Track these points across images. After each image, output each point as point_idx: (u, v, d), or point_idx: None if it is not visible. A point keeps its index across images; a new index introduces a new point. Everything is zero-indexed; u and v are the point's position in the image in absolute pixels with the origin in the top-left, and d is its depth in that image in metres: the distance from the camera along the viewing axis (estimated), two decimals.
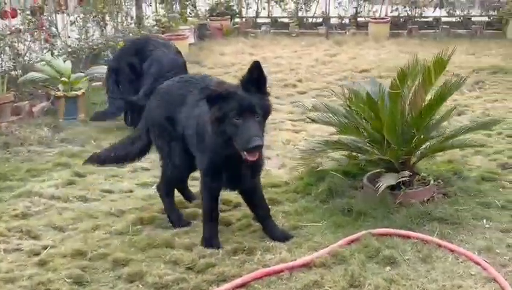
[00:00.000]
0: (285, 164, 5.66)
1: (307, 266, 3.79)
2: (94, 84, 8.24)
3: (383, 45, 11.61)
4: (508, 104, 7.51)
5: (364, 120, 4.56)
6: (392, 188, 4.45)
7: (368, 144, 4.50)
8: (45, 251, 4.09)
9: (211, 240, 4.10)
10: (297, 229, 4.30)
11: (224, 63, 10.49)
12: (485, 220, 4.32)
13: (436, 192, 4.69)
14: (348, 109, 4.63)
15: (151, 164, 5.56)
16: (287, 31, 13.30)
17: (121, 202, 4.95)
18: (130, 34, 10.11)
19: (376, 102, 4.32)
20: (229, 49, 11.71)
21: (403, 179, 4.30)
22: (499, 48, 10.83)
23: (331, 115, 4.78)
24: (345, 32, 12.89)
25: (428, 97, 4.54)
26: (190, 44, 11.62)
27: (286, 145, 6.19)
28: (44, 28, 8.51)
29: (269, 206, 4.57)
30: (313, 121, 4.95)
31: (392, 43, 11.72)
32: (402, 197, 4.42)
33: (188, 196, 4.91)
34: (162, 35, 10.72)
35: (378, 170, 4.84)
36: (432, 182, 4.69)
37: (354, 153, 4.65)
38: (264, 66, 3.84)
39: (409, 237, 4.09)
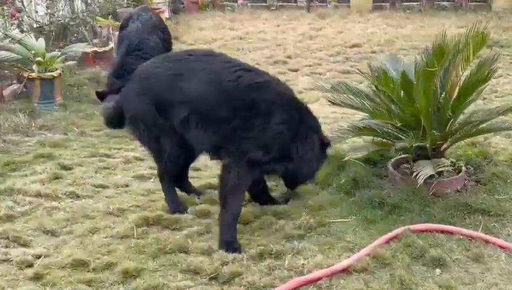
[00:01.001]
0: None
1: (347, 271, 3.35)
2: (67, 63, 7.52)
3: (368, 18, 11.17)
4: None
5: (393, 103, 4.09)
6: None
7: (401, 129, 4.03)
8: (39, 261, 3.52)
9: (233, 244, 3.60)
10: (325, 227, 3.84)
11: (205, 38, 9.87)
12: None
13: (468, 179, 4.29)
14: (375, 90, 4.15)
15: (145, 153, 4.98)
16: (265, 4, 12.71)
17: (118, 198, 4.38)
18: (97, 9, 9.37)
19: (411, 82, 3.85)
20: (207, 24, 11.07)
21: (442, 168, 3.87)
22: (486, 21, 10.48)
23: (352, 97, 4.29)
24: (326, 5, 12.38)
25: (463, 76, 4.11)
26: (166, 19, 10.89)
27: None
28: (9, 1, 7.69)
29: (289, 200, 4.18)
30: (334, 104, 4.45)
31: (376, 16, 11.28)
32: (436, 186, 4.00)
33: (188, 190, 4.38)
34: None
35: (402, 156, 4.41)
36: (463, 168, 4.28)
37: (385, 140, 4.18)
38: None
39: (451, 233, 3.69)
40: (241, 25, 11.03)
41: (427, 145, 3.90)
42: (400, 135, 4.08)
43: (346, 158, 3.93)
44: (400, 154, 4.45)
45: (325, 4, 12.45)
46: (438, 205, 3.94)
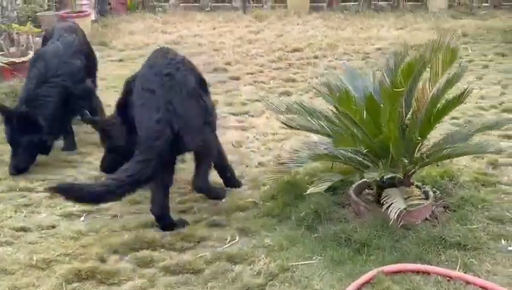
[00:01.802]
0: (245, 174, 4.66)
1: None
2: None
3: (306, 20, 10.79)
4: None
5: (355, 126, 3.66)
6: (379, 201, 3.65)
7: (365, 155, 3.61)
8: None
9: None
10: (288, 272, 3.36)
11: (136, 43, 9.18)
12: (503, 241, 3.63)
13: (435, 205, 3.93)
14: (335, 112, 3.70)
15: None
16: (198, 4, 12.10)
17: (43, 245, 3.73)
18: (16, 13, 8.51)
19: (378, 105, 3.43)
20: (137, 27, 10.36)
21: (415, 199, 3.48)
22: (425, 22, 10.37)
23: (310, 119, 3.84)
24: (263, 6, 11.92)
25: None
26: (92, 22, 10.12)
27: (238, 149, 5.18)
28: None
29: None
30: (290, 127, 3.97)
31: (315, 18, 10.92)
32: (404, 216, 3.60)
33: None
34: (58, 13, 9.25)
35: (363, 180, 4.00)
36: (430, 193, 3.92)
37: (348, 166, 3.75)
38: None
39: (428, 273, 3.30)
40: (175, 27, 10.40)
41: (399, 175, 3.49)
42: (365, 161, 3.66)
43: (308, 191, 3.47)
44: (361, 179, 4.04)
45: (261, 5, 11.98)
46: (409, 240, 3.55)
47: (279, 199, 4.05)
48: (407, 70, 3.43)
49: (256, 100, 6.49)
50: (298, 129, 4.01)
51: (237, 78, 7.40)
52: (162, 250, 3.62)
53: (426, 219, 3.79)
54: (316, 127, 3.83)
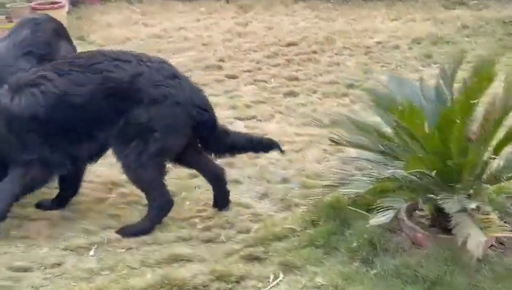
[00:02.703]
0: (269, 193, 4.12)
1: None
2: None
3: (294, 10, 10.21)
4: None
5: (417, 143, 3.17)
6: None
7: (432, 178, 3.12)
8: None
9: None
10: None
11: (117, 37, 8.40)
12: None
13: None
14: (395, 128, 3.18)
15: None
16: None
17: (49, 289, 3.13)
18: None
19: (454, 118, 2.93)
20: (114, 19, 9.56)
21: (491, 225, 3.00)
22: (417, 12, 9.96)
23: (363, 138, 3.32)
24: None
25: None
26: (67, 13, 9.30)
27: (254, 160, 4.61)
28: None
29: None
30: (337, 144, 3.45)
31: (303, 8, 10.35)
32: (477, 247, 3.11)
33: None
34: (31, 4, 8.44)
35: (411, 198, 3.50)
36: (494, 216, 3.46)
37: (412, 193, 3.25)
38: None
39: None
40: (155, 19, 9.66)
41: (479, 203, 3.01)
42: (430, 185, 3.17)
43: (371, 222, 2.96)
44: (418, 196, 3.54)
45: None
46: (483, 274, 3.09)
47: (323, 226, 3.53)
48: (487, 77, 2.94)
49: (262, 102, 5.94)
50: (347, 146, 3.48)
51: (234, 77, 6.78)
52: None
53: (492, 244, 3.35)
54: (368, 143, 3.32)
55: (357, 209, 3.62)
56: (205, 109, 3.67)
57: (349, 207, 3.61)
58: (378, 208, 3.08)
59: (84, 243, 3.57)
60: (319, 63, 7.22)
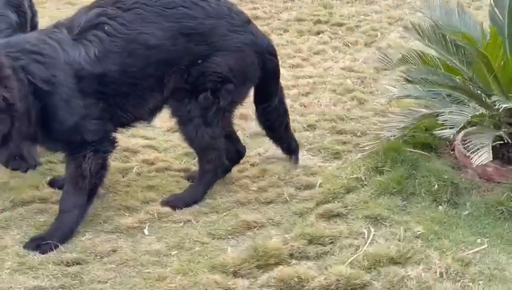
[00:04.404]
0: (302, 142, 3.81)
1: None
2: None
3: None
4: None
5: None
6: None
7: None
8: None
9: None
10: (470, 267, 2.73)
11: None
12: None
13: None
14: (477, 61, 3.00)
15: None
16: None
17: None
18: None
19: None
20: None
21: None
22: None
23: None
24: None
25: None
26: None
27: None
28: None
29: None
30: (410, 82, 3.20)
31: None
32: None
33: None
34: None
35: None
36: None
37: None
38: None
39: None
40: None
41: None
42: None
43: (476, 162, 2.79)
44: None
45: None
46: None
47: (391, 171, 3.33)
48: None
49: None
50: (420, 84, 3.25)
51: None
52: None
53: None
54: (441, 80, 3.13)
55: (417, 151, 3.49)
56: (275, 56, 3.26)
57: (410, 149, 3.45)
58: (477, 146, 2.93)
59: (132, 222, 3.07)
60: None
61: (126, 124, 3.13)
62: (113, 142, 3.06)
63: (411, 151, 3.46)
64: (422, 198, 3.19)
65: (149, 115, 3.16)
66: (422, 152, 3.52)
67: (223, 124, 3.17)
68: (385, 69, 4.94)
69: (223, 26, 3.02)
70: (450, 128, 2.92)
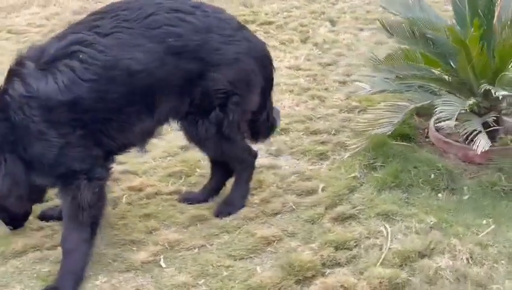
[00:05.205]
0: (282, 148, 3.79)
1: None
2: None
3: None
4: None
5: None
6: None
7: None
8: None
9: None
10: (488, 248, 2.86)
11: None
12: None
13: None
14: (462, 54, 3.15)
15: None
16: None
17: None
18: None
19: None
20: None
21: None
22: None
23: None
24: None
25: None
26: None
27: None
28: None
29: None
30: (400, 78, 3.27)
31: None
32: None
33: None
34: None
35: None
36: None
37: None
38: None
39: None
40: None
41: None
42: None
43: (479, 149, 2.93)
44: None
45: None
46: None
47: (386, 166, 3.42)
48: None
49: None
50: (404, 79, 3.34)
51: None
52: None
53: None
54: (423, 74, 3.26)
55: (401, 143, 3.62)
56: (271, 60, 3.17)
57: (395, 142, 3.57)
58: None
59: (145, 256, 2.88)
60: None
61: (115, 150, 2.92)
62: (107, 168, 2.85)
63: (397, 144, 3.58)
64: (421, 188, 3.30)
65: (139, 140, 2.98)
66: (405, 143, 3.65)
67: (242, 130, 3.09)
68: (330, 65, 5.10)
69: (214, 40, 2.90)
70: (446, 119, 3.04)
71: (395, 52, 3.41)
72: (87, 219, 2.73)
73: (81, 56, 2.61)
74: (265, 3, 6.67)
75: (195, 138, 3.00)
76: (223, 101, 2.92)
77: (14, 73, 2.63)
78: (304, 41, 5.63)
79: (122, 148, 2.94)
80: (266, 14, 6.24)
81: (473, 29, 3.05)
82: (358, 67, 5.01)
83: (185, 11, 2.83)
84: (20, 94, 2.56)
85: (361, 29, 6.01)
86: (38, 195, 2.89)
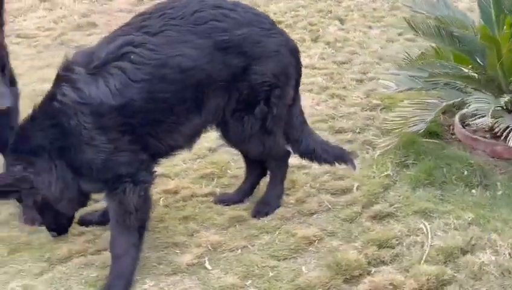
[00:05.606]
0: None
1: None
2: None
3: None
4: None
5: None
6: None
7: None
8: None
9: None
10: None
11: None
12: None
13: None
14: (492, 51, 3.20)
15: None
16: None
17: None
18: None
19: None
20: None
21: None
22: None
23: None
24: None
25: None
26: None
27: None
28: None
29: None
30: (433, 77, 3.31)
31: None
32: None
33: None
34: None
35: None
36: None
37: None
38: None
39: None
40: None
41: None
42: None
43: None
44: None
45: None
46: None
47: (418, 164, 3.47)
48: None
49: None
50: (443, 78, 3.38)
51: None
52: None
53: None
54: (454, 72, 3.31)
55: (430, 140, 3.67)
56: (299, 53, 3.19)
57: (425, 140, 3.62)
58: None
59: (190, 258, 2.88)
60: None
61: (161, 153, 2.92)
62: (151, 173, 2.86)
63: (426, 142, 3.63)
64: (455, 185, 3.35)
65: (187, 142, 2.98)
66: (434, 140, 3.70)
67: (282, 125, 3.10)
68: (344, 63, 5.14)
69: (256, 33, 2.92)
70: (481, 116, 3.09)
71: (426, 51, 3.45)
72: (134, 223, 2.73)
73: (132, 57, 2.61)
74: (271, 3, 6.70)
75: (240, 135, 2.99)
76: (267, 95, 2.93)
77: (63, 79, 2.62)
78: (315, 40, 5.66)
79: (169, 150, 2.93)
80: (274, 13, 6.24)
81: (505, 27, 3.09)
82: (372, 65, 5.07)
83: (227, 7, 2.85)
84: (73, 100, 2.55)
85: (370, 27, 6.08)
86: (84, 199, 2.88)
